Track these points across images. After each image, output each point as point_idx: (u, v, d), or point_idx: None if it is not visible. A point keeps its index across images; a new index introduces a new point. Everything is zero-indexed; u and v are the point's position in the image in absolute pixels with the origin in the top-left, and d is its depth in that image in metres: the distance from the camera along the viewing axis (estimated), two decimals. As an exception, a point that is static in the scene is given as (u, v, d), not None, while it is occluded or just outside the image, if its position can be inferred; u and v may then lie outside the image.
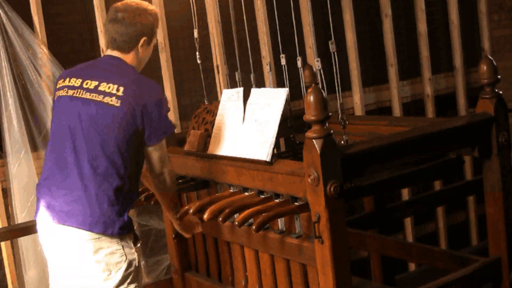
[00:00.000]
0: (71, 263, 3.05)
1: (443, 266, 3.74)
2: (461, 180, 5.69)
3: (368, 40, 5.52)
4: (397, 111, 5.44)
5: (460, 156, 3.77)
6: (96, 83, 3.05)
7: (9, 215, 4.19)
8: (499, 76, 3.28)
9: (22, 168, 4.10)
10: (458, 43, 5.70)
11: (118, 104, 2.98)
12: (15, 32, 4.12)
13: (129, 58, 3.15)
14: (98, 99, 3.01)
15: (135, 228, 4.43)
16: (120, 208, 3.02)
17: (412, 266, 5.55)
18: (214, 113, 3.56)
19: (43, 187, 3.10)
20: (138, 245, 3.16)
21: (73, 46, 4.55)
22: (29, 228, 3.59)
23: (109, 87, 3.02)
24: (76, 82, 3.10)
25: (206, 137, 3.54)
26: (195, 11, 3.91)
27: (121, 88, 3.00)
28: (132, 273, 3.07)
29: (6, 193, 4.19)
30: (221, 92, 4.59)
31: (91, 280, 3.02)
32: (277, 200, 3.09)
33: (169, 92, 4.55)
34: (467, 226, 5.94)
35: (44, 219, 3.08)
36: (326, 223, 2.78)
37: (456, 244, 5.78)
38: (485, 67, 3.28)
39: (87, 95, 3.04)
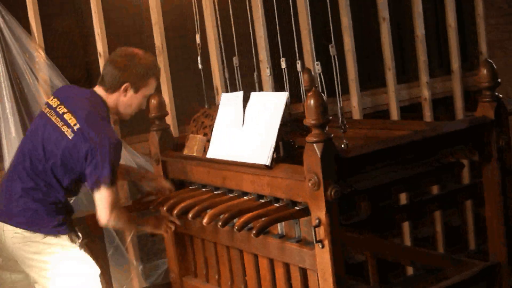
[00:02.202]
0: None
1: (441, 269, 3.73)
2: (458, 184, 5.68)
3: (365, 44, 5.51)
4: (394, 114, 5.43)
5: (459, 160, 3.77)
6: (65, 110, 3.30)
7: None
8: (499, 80, 3.28)
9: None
10: (455, 47, 5.69)
11: (70, 138, 3.23)
12: (12, 36, 4.11)
13: (110, 97, 3.39)
14: (59, 125, 3.28)
15: (133, 233, 4.44)
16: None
17: (409, 270, 5.54)
18: (213, 117, 3.54)
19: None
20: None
21: (69, 51, 4.55)
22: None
23: (70, 119, 3.27)
24: (55, 102, 3.37)
25: (205, 141, 3.53)
26: (197, 15, 3.91)
27: (78, 125, 3.23)
28: None
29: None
30: (218, 97, 4.59)
31: None
32: (276, 205, 3.09)
33: (167, 96, 4.53)
34: (464, 230, 5.93)
35: None
36: (327, 227, 2.77)
37: (453, 247, 5.76)
38: (485, 71, 3.27)
39: (53, 118, 3.31)
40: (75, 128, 3.23)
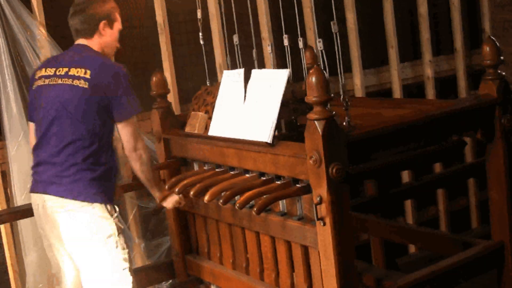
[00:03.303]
0: None
1: (444, 250, 3.73)
2: (461, 163, 5.67)
3: (368, 22, 5.47)
4: (397, 93, 5.41)
5: (462, 139, 3.75)
6: (67, 69, 3.39)
7: (8, 198, 4.18)
8: (502, 58, 3.25)
9: (21, 151, 4.07)
10: (459, 25, 5.66)
11: (86, 86, 3.31)
12: (13, 14, 4.09)
13: (93, 42, 3.48)
14: (68, 82, 3.35)
15: (135, 210, 4.45)
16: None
17: (412, 249, 5.54)
18: (214, 95, 3.53)
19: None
20: None
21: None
22: (28, 211, 3.57)
23: (77, 71, 3.35)
24: (50, 71, 3.45)
25: (207, 118, 3.51)
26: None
27: (88, 71, 3.33)
28: None
29: (5, 176, 4.18)
30: (220, 74, 4.57)
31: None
32: (278, 182, 3.08)
33: (168, 74, 4.52)
34: (468, 211, 5.93)
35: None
36: (328, 205, 2.76)
37: (457, 228, 5.76)
38: (488, 48, 3.25)
39: (60, 81, 3.38)
40: (87, 76, 3.32)
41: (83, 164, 3.30)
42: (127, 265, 3.39)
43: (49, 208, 3.33)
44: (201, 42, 3.92)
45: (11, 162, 4.08)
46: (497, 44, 3.26)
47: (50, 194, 3.33)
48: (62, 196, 3.30)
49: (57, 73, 3.40)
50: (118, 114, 3.36)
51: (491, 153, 3.32)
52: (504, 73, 3.29)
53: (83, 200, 3.29)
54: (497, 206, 3.35)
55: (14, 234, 4.20)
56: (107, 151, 3.39)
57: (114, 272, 3.35)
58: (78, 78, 3.33)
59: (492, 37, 3.31)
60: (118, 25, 3.55)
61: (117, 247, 3.34)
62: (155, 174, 3.61)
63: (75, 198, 3.28)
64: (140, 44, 4.65)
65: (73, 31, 3.52)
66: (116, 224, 3.35)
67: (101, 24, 3.46)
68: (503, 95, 3.26)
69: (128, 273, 3.39)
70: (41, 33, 4.15)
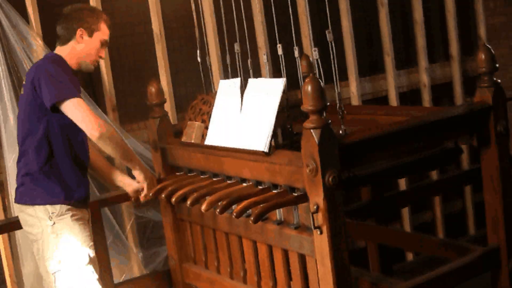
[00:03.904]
0: None
1: (441, 255, 3.74)
2: (458, 169, 5.69)
3: (364, 29, 5.49)
4: (393, 100, 5.42)
5: (458, 146, 3.76)
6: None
7: (5, 208, 4.18)
8: (497, 65, 3.27)
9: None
10: (454, 32, 5.68)
11: (22, 92, 3.43)
12: (9, 24, 4.09)
13: (65, 48, 3.50)
14: (22, 91, 3.47)
15: (132, 220, 4.45)
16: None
17: (409, 256, 5.55)
18: (210, 104, 3.54)
19: None
20: None
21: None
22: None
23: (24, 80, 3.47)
24: (24, 80, 3.50)
25: (203, 128, 3.52)
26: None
27: (25, 77, 3.44)
28: None
29: (3, 186, 4.18)
30: (217, 83, 4.57)
31: None
32: (275, 191, 3.08)
33: (165, 83, 4.53)
34: (464, 215, 5.94)
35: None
36: (325, 213, 2.77)
37: (453, 233, 5.77)
38: (483, 56, 3.26)
39: (21, 92, 3.49)
40: (23, 82, 3.44)
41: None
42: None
43: None
44: (198, 59, 3.95)
45: (8, 172, 4.07)
46: (492, 51, 3.28)
47: None
48: None
49: (23, 84, 3.49)
50: (47, 98, 3.27)
51: (485, 158, 3.34)
52: (499, 80, 3.31)
53: None
54: (491, 210, 3.37)
55: (12, 245, 4.19)
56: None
57: None
58: (24, 85, 3.44)
59: (486, 45, 3.33)
60: (100, 35, 3.53)
61: None
62: (124, 143, 3.52)
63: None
64: (133, 51, 4.66)
65: (57, 39, 3.55)
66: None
67: (78, 31, 3.47)
68: (498, 102, 3.27)
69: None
70: (37, 43, 4.15)
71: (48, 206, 3.36)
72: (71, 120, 3.31)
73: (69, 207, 3.39)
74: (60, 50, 3.51)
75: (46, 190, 3.38)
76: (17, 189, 3.48)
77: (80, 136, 3.45)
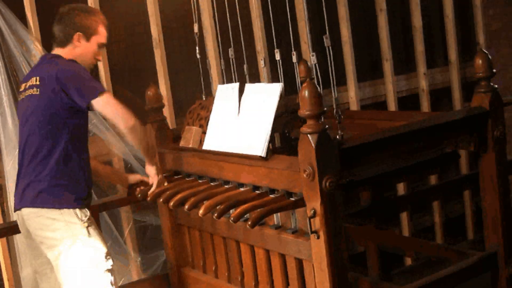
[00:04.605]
0: None
1: (441, 259, 3.74)
2: (457, 174, 5.69)
3: (363, 35, 5.50)
4: (392, 105, 5.43)
5: (455, 151, 3.76)
6: (30, 80, 3.42)
7: (4, 212, 4.18)
8: (494, 70, 3.28)
9: (16, 165, 4.07)
10: (453, 37, 5.69)
11: (37, 93, 3.34)
12: (8, 29, 4.10)
13: (64, 51, 3.47)
14: (28, 93, 3.40)
15: (131, 224, 4.45)
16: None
17: (408, 261, 5.55)
18: (208, 109, 3.55)
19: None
20: None
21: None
22: (24, 225, 3.58)
23: (32, 80, 3.39)
24: (23, 86, 3.48)
25: (201, 133, 3.53)
26: (194, 5, 3.91)
27: (38, 77, 3.36)
28: None
29: (1, 190, 4.18)
30: (215, 88, 4.58)
31: None
32: (272, 196, 3.09)
33: (164, 88, 4.53)
34: (463, 220, 5.94)
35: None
36: (322, 218, 2.77)
37: (453, 237, 5.77)
38: (480, 61, 3.27)
39: (24, 94, 3.44)
40: (37, 83, 3.35)
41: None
42: None
43: None
44: (198, 56, 3.94)
45: (7, 176, 4.08)
46: (490, 57, 3.29)
47: None
48: None
49: (25, 87, 3.44)
50: (80, 99, 3.27)
51: (483, 163, 3.35)
52: (496, 86, 3.32)
53: None
54: (490, 214, 3.38)
55: (10, 249, 4.19)
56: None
57: None
58: (32, 87, 3.37)
59: (484, 50, 3.34)
60: (98, 39, 3.52)
61: None
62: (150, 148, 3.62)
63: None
64: (133, 51, 4.67)
65: (52, 38, 3.53)
66: None
67: (76, 35, 3.45)
68: (495, 107, 3.28)
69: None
70: (36, 47, 4.16)
71: (77, 210, 3.35)
72: (85, 121, 3.41)
73: (87, 209, 3.42)
74: (59, 52, 3.49)
75: (73, 193, 3.35)
76: (28, 193, 3.38)
77: (87, 137, 3.50)
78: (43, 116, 3.33)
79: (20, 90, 3.51)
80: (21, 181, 3.43)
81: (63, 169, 3.34)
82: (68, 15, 3.48)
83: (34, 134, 3.36)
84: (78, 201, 3.36)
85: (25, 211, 3.38)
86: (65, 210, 3.32)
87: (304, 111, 2.77)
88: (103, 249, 3.39)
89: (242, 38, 3.72)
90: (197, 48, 3.93)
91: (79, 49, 3.47)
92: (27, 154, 3.40)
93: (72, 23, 3.46)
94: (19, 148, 3.47)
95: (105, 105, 3.28)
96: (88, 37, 3.48)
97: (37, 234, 3.37)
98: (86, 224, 3.34)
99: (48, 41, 4.23)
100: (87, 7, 3.68)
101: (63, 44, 3.47)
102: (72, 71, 3.32)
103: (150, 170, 3.66)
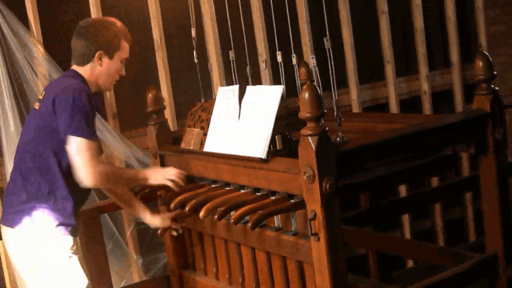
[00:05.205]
0: None
1: (440, 262, 3.74)
2: (458, 177, 5.69)
3: (364, 37, 5.51)
4: (394, 108, 5.44)
5: (455, 153, 3.77)
6: (41, 93, 3.34)
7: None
8: (495, 72, 3.28)
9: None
10: (454, 40, 5.70)
11: (37, 107, 3.26)
12: (10, 31, 4.11)
13: (83, 69, 3.32)
14: (35, 106, 3.31)
15: (132, 226, 4.46)
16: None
17: (409, 263, 5.55)
18: (209, 111, 3.55)
19: None
20: None
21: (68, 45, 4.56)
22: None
23: (42, 94, 3.31)
24: (41, 95, 3.35)
25: (202, 135, 3.53)
26: (192, 10, 3.91)
27: (44, 93, 3.27)
28: None
29: (3, 192, 4.19)
30: (216, 90, 4.59)
31: None
32: (273, 198, 3.09)
33: (165, 91, 4.54)
34: (464, 222, 5.94)
35: None
36: (322, 220, 2.78)
37: (453, 240, 5.77)
38: (481, 63, 3.27)
39: (34, 106, 3.35)
40: (40, 97, 3.28)
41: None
42: None
43: None
44: (196, 60, 3.94)
45: (8, 180, 4.08)
46: (490, 59, 3.29)
47: None
48: None
49: (37, 99, 3.36)
50: (60, 128, 3.14)
51: (483, 166, 3.34)
52: (497, 88, 3.32)
53: None
54: (489, 217, 3.37)
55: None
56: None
57: None
58: (38, 101, 3.28)
59: (485, 52, 3.34)
60: (121, 54, 3.36)
61: None
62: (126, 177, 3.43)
63: None
64: (134, 57, 4.68)
65: (72, 52, 3.36)
66: None
67: (97, 54, 3.29)
68: (495, 109, 3.28)
69: None
70: (38, 50, 4.17)
71: (63, 227, 3.23)
72: None
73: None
74: (78, 70, 3.33)
75: (60, 213, 3.22)
76: (14, 213, 3.27)
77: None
78: (34, 133, 3.24)
79: (39, 98, 3.37)
80: (10, 198, 3.34)
81: (50, 190, 3.21)
82: (88, 31, 3.30)
83: (24, 152, 3.27)
84: (65, 226, 3.24)
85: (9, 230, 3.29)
86: (50, 232, 3.21)
87: (304, 113, 2.78)
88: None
89: (245, 40, 3.72)
90: (194, 52, 3.92)
91: (102, 68, 3.32)
92: (18, 169, 3.31)
93: (93, 41, 3.28)
94: (13, 162, 3.39)
95: (77, 151, 3.13)
96: (111, 54, 3.32)
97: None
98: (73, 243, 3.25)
99: (49, 44, 4.27)
100: (109, 21, 3.37)
101: (83, 62, 3.31)
102: (71, 100, 3.12)
103: (157, 177, 3.47)
